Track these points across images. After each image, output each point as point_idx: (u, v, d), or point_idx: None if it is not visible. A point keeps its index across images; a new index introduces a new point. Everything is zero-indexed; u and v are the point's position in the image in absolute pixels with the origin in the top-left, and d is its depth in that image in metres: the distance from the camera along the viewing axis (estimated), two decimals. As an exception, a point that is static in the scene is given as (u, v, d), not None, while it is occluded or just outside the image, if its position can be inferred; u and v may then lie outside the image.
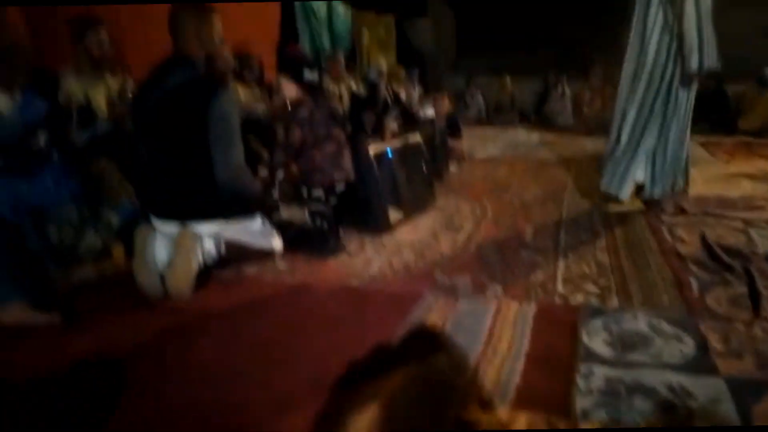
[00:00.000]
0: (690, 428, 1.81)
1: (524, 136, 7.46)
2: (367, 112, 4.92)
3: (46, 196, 2.46)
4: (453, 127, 5.48)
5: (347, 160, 3.06)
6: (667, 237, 2.77)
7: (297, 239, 2.79)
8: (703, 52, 2.94)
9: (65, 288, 2.37)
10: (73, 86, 2.95)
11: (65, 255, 2.47)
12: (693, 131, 7.19)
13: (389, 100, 6.72)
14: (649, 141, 3.20)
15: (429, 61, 9.95)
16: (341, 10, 7.42)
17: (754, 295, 2.03)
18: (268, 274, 2.49)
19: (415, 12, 10.05)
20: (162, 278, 2.25)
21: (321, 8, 6.84)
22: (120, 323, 2.06)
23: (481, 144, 6.61)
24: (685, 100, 3.17)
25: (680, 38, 2.99)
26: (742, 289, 2.11)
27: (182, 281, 2.19)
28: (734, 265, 2.29)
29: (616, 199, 3.34)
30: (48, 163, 2.46)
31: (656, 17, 3.04)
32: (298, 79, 2.70)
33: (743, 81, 8.12)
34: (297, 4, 6.36)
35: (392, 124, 5.86)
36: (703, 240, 2.63)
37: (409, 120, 6.20)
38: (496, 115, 9.42)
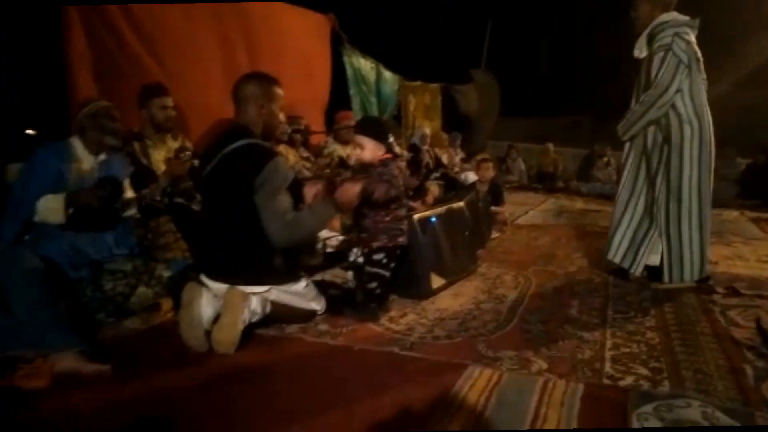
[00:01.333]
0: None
1: (567, 203, 7.42)
2: (410, 176, 5.03)
3: (106, 252, 2.58)
4: (496, 193, 5.51)
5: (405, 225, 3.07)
6: (720, 320, 2.67)
7: (341, 301, 2.81)
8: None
9: (116, 338, 2.44)
10: (137, 147, 3.14)
11: (117, 306, 2.56)
12: (744, 206, 7.08)
13: (431, 164, 6.85)
14: (660, 221, 3.17)
15: (473, 126, 10.15)
16: (388, 76, 7.71)
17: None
18: (309, 335, 2.51)
19: (461, 79, 10.36)
20: (207, 333, 2.29)
21: (370, 75, 7.13)
22: (164, 376, 2.10)
23: (523, 210, 6.60)
24: (691, 184, 3.09)
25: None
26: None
27: (228, 339, 2.23)
28: (793, 355, 2.19)
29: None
30: (114, 222, 2.59)
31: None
32: (381, 140, 2.77)
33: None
34: (348, 69, 6.65)
35: (434, 188, 5.96)
36: (759, 325, 2.53)
37: (452, 184, 6.29)
38: (538, 181, 9.44)
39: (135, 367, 2.16)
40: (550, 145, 9.75)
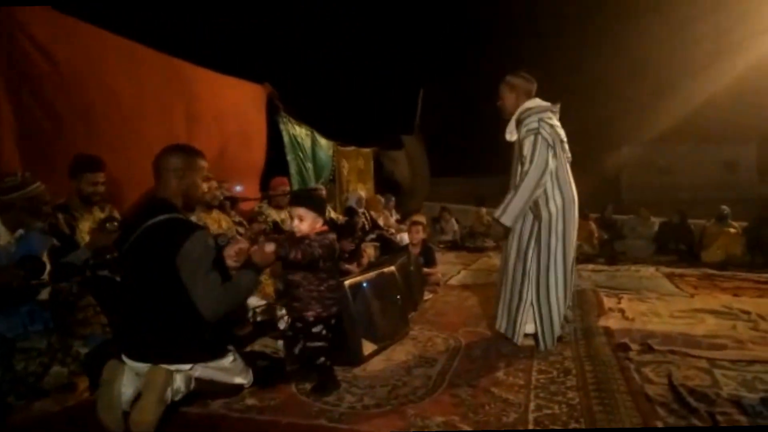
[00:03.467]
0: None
1: (498, 262, 7.63)
2: (344, 240, 5.08)
3: (20, 329, 2.46)
4: (428, 255, 5.62)
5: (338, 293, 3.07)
6: (635, 377, 2.81)
7: (271, 373, 2.77)
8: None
9: (27, 421, 2.29)
10: (61, 218, 3.06)
11: (29, 387, 2.41)
12: (659, 262, 7.52)
13: (367, 227, 6.95)
14: (529, 293, 3.30)
15: (405, 190, 10.46)
16: (323, 143, 7.91)
17: (720, 442, 2.06)
18: (235, 411, 2.44)
19: (392, 145, 10.74)
20: (125, 414, 2.19)
21: (305, 141, 7.29)
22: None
23: (456, 270, 6.76)
24: (557, 257, 3.25)
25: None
26: (708, 434, 2.14)
27: (147, 419, 2.14)
28: (700, 409, 2.33)
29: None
30: (30, 296, 2.49)
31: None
32: (320, 213, 2.78)
33: (704, 216, 8.66)
34: (285, 137, 6.77)
35: (370, 249, 6.04)
36: (670, 382, 2.68)
37: (387, 245, 6.39)
38: (470, 240, 9.71)
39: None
40: (483, 210, 10.12)
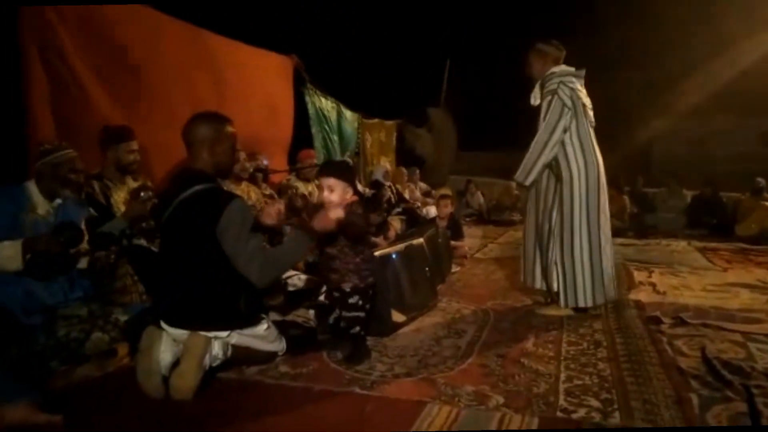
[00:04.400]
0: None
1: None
2: (372, 213, 5.09)
3: (61, 297, 2.54)
4: (455, 228, 5.62)
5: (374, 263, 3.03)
6: (668, 349, 2.79)
7: (303, 341, 2.82)
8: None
9: (69, 386, 2.38)
10: (97, 187, 3.12)
11: (71, 353, 2.50)
12: (691, 236, 7.39)
13: (393, 200, 6.95)
14: (554, 252, 3.38)
15: (429, 164, 10.39)
16: (349, 115, 7.87)
17: (754, 413, 2.04)
18: (269, 377, 2.50)
19: (416, 119, 10.64)
20: (165, 379, 2.26)
21: (331, 114, 7.26)
22: (120, 424, 2.07)
23: (483, 243, 6.74)
24: (580, 218, 3.32)
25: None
26: (742, 406, 2.12)
27: (186, 385, 2.21)
28: (734, 381, 2.31)
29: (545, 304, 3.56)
30: (70, 265, 2.56)
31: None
32: (350, 183, 2.77)
33: (739, 188, 8.44)
34: (311, 109, 6.76)
35: (397, 223, 6.05)
36: (703, 354, 2.65)
37: (414, 219, 6.39)
38: (496, 213, 9.65)
39: (89, 415, 2.12)
40: (512, 184, 10.00)
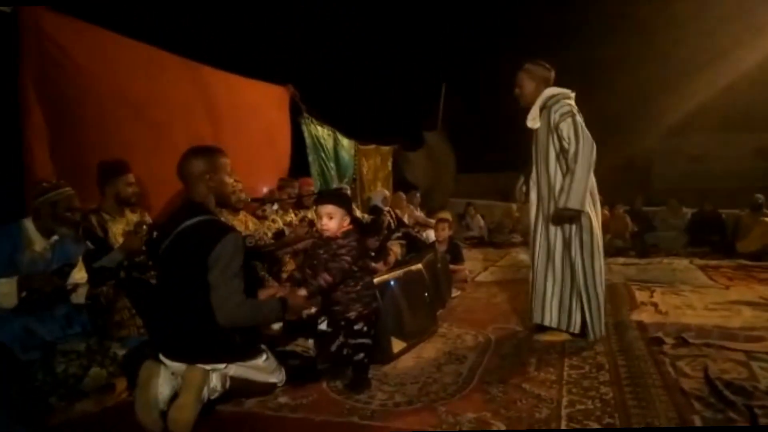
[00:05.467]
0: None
1: (526, 258, 7.57)
2: (370, 238, 5.09)
3: (59, 332, 2.54)
4: (455, 252, 5.62)
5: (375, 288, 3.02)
6: (670, 371, 2.77)
7: (303, 371, 2.80)
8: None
9: (67, 422, 2.36)
10: (94, 221, 3.14)
11: (70, 389, 2.49)
12: (693, 254, 7.38)
13: (392, 225, 6.96)
14: (578, 282, 3.28)
15: (426, 189, 10.41)
16: (345, 143, 7.93)
17: (759, 435, 2.01)
18: (269, 408, 2.48)
19: (409, 144, 10.71)
20: (163, 413, 2.24)
21: (328, 141, 7.32)
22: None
23: (483, 267, 6.72)
24: (599, 242, 3.28)
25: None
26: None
27: (185, 418, 2.19)
28: (737, 402, 2.28)
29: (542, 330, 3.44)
30: (64, 302, 2.56)
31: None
32: (349, 210, 2.80)
33: (738, 205, 8.44)
34: (307, 138, 6.81)
35: (396, 248, 6.04)
36: (706, 375, 2.63)
37: (414, 243, 6.38)
38: (497, 236, 9.64)
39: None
40: (513, 206, 10.02)
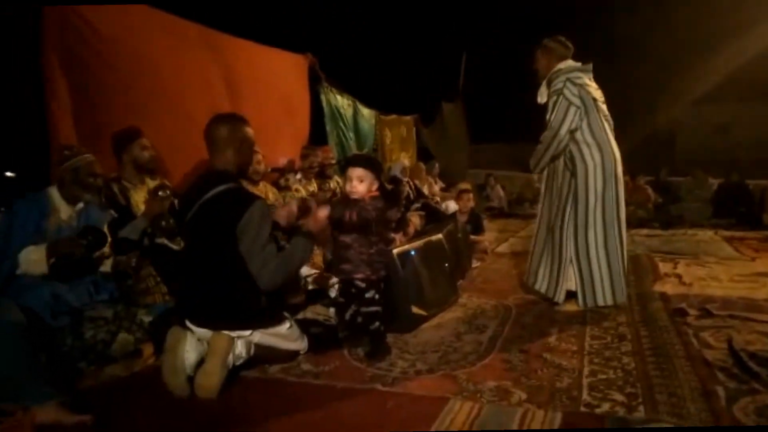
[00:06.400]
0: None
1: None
2: (390, 209, 5.07)
3: (86, 299, 2.59)
4: (475, 223, 5.59)
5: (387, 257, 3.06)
6: (694, 342, 2.75)
7: (325, 339, 2.84)
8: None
9: (97, 387, 2.43)
10: (116, 189, 3.17)
11: (98, 354, 2.55)
12: (718, 226, 7.25)
13: (411, 196, 6.93)
14: (568, 249, 3.33)
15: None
16: (365, 112, 7.86)
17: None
18: (292, 375, 2.52)
19: (431, 117, 10.59)
20: (190, 378, 2.30)
21: (347, 111, 7.26)
22: (147, 423, 2.11)
23: (504, 237, 6.69)
24: (596, 214, 3.29)
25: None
26: (771, 398, 2.08)
27: (211, 384, 2.24)
28: (761, 373, 2.26)
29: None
30: (94, 267, 2.61)
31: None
32: (378, 175, 2.81)
33: (765, 175, 8.24)
34: (326, 107, 6.77)
35: (416, 218, 6.03)
36: (730, 346, 2.60)
37: (433, 214, 6.36)
38: (518, 207, 9.58)
39: (117, 415, 2.16)
40: (534, 176, 9.91)
